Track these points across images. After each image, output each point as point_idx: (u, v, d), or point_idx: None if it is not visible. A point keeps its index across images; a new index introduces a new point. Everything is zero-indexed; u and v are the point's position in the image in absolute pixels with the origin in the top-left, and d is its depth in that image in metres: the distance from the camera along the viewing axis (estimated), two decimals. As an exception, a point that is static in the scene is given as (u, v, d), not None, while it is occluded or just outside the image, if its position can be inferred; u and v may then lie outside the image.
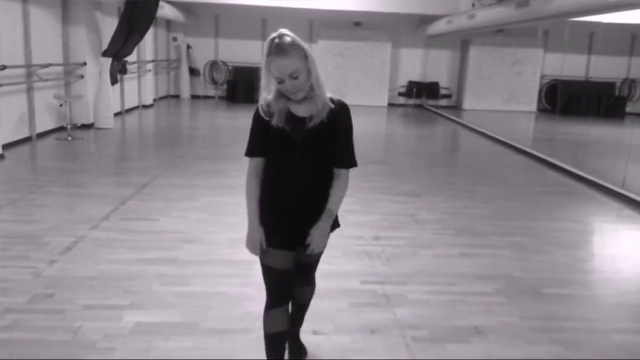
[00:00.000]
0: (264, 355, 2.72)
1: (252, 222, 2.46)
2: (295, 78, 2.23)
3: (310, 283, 2.77)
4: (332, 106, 2.36)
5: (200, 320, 3.30)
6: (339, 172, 2.45)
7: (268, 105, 2.34)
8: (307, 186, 2.42)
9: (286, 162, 2.39)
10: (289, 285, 2.56)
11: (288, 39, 2.22)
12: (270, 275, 2.50)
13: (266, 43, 2.24)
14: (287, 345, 2.80)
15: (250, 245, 2.48)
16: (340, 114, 2.38)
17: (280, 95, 2.32)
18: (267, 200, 2.44)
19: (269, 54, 2.22)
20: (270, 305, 2.52)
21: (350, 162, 2.45)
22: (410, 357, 3.02)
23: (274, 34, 2.24)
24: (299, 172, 2.40)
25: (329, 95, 2.37)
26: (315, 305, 3.50)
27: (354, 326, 3.33)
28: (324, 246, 2.47)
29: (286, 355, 2.77)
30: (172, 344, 3.04)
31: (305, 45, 2.26)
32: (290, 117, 2.34)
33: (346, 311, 3.52)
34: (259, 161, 2.43)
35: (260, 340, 3.05)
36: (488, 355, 3.08)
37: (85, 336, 3.06)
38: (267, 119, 2.33)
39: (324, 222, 2.42)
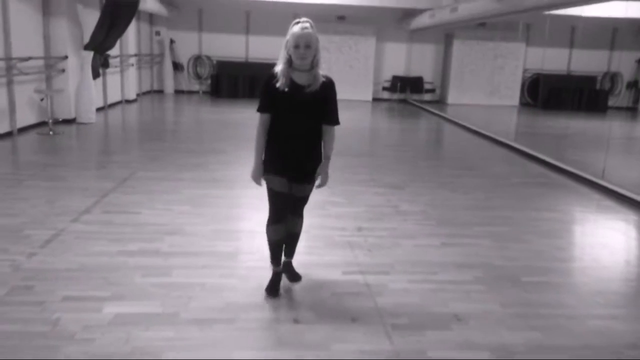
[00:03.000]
0: (245, 345, 2.89)
1: (257, 160, 3.37)
2: (308, 47, 3.14)
3: (300, 215, 3.61)
4: (324, 79, 3.27)
5: (181, 311, 3.29)
6: (328, 129, 3.37)
7: (278, 73, 3.19)
8: (302, 137, 3.33)
9: (288, 119, 3.28)
10: (286, 206, 3.47)
11: (310, 24, 3.18)
12: (274, 196, 3.41)
13: (292, 23, 3.19)
14: (284, 274, 3.71)
15: (254, 177, 3.41)
16: (329, 86, 3.31)
17: (288, 65, 3.19)
18: (274, 146, 3.34)
19: (295, 27, 3.14)
20: (272, 221, 3.50)
21: (336, 120, 3.39)
22: (390, 344, 3.04)
23: (300, 19, 3.20)
24: (296, 127, 3.30)
25: (321, 72, 3.27)
26: (297, 295, 3.54)
27: (335, 315, 3.35)
28: (327, 182, 3.46)
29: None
30: (152, 334, 3.03)
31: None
32: (292, 84, 3.21)
33: (328, 301, 3.53)
34: (267, 116, 3.30)
35: (242, 330, 3.12)
36: (467, 341, 3.11)
37: (65, 327, 3.04)
38: (276, 83, 3.18)
39: (325, 166, 3.42)
